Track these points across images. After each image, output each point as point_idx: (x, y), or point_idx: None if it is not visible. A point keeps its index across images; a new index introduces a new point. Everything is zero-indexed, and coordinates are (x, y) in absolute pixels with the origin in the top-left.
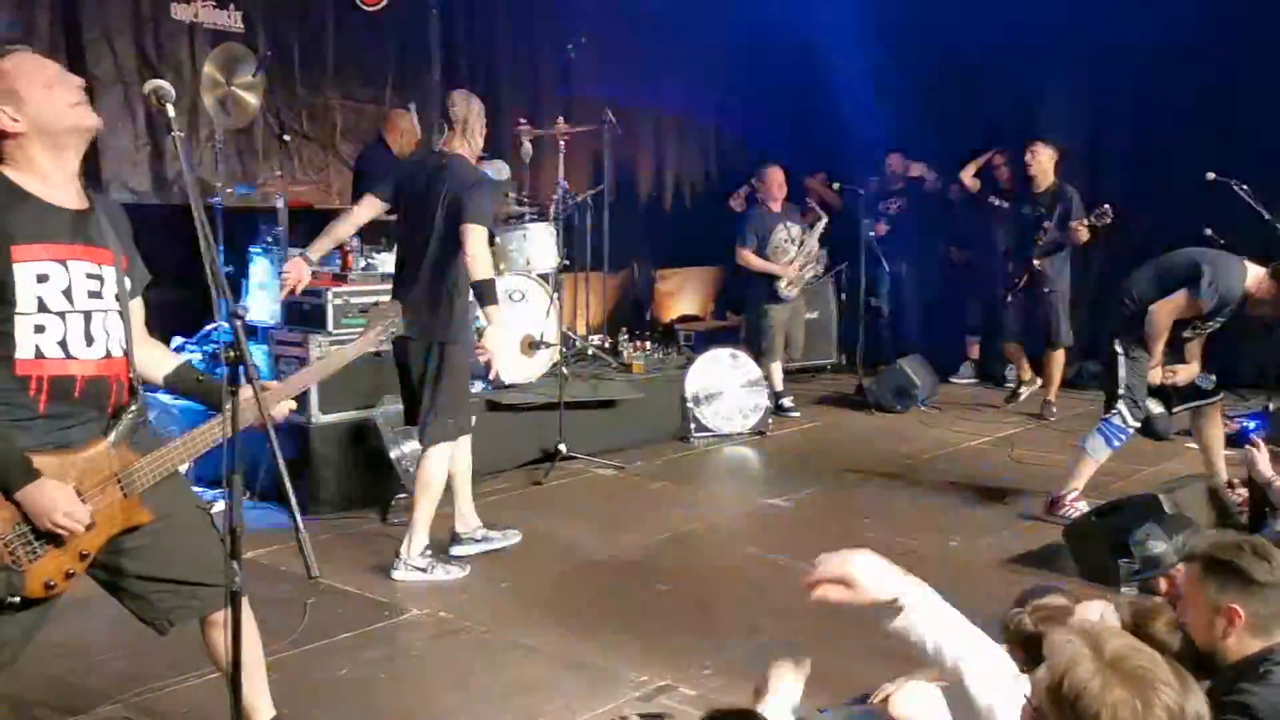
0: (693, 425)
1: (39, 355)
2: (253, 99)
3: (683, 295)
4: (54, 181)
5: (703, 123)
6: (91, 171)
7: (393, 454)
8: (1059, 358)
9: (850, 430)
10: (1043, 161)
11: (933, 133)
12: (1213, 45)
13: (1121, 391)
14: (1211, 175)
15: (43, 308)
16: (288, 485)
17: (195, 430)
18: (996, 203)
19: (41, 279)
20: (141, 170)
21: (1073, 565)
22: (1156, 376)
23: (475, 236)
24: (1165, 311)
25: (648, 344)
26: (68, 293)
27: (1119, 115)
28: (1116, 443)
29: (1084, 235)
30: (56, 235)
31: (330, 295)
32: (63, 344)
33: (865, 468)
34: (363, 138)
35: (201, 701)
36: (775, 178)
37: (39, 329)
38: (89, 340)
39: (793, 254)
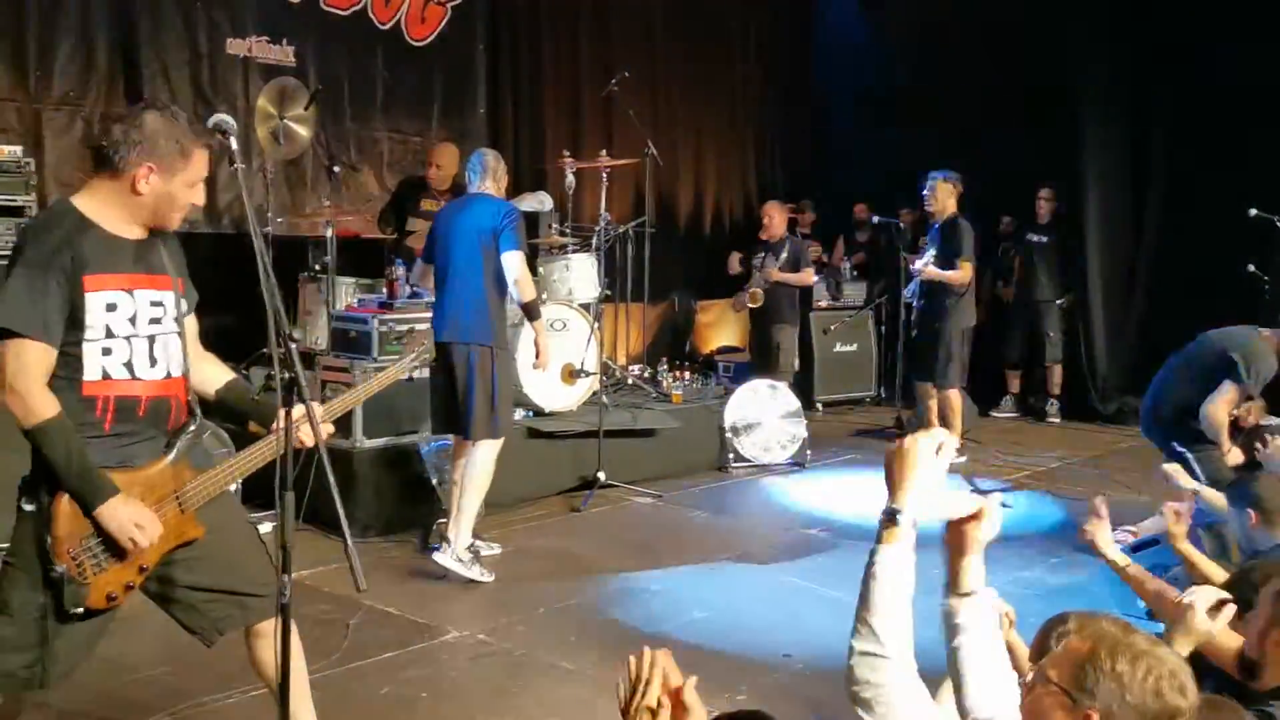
0: (731, 455)
1: (105, 377)
2: (304, 131)
3: (722, 326)
4: (120, 220)
5: (744, 155)
6: None
7: (434, 479)
8: (950, 399)
9: None
10: (940, 196)
11: (977, 168)
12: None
13: (1205, 486)
14: (1254, 211)
15: (109, 333)
16: (338, 502)
17: (248, 449)
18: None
19: (110, 307)
20: None
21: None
22: (1236, 458)
23: (517, 261)
24: (1218, 408)
25: (687, 374)
26: (133, 319)
27: (1158, 151)
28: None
29: (931, 275)
30: (123, 265)
31: (376, 322)
32: (128, 365)
33: None
34: (408, 170)
35: (247, 717)
36: (765, 212)
37: (106, 352)
38: (152, 361)
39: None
